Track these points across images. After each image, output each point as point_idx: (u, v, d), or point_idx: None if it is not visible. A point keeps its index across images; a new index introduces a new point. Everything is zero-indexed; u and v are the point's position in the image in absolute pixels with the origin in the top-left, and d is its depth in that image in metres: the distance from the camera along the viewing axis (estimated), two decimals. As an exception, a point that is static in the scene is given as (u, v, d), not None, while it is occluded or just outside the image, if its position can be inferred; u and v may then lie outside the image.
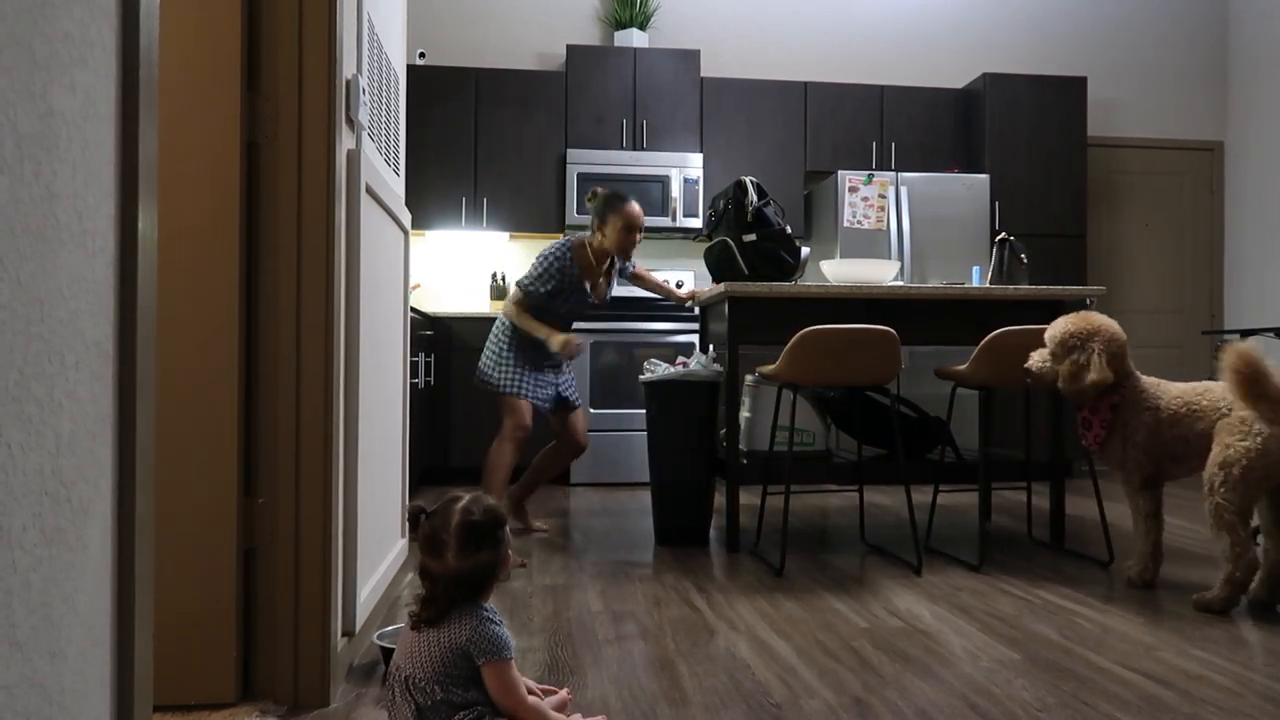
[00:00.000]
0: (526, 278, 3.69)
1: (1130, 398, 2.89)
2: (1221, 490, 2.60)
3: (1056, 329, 2.97)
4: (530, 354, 3.72)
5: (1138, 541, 2.97)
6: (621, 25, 5.88)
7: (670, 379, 3.61)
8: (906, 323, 3.59)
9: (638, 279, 4.03)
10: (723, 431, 3.67)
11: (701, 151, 5.76)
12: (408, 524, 1.54)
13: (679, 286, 5.78)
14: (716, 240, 3.98)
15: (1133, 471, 2.91)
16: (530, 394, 3.68)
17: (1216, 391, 2.75)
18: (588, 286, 3.74)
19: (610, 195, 3.70)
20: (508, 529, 1.59)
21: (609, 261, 3.80)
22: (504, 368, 3.69)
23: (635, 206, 3.67)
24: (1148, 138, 6.52)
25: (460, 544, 1.52)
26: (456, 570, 1.52)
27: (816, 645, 2.34)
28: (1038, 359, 3.03)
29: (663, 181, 5.61)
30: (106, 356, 0.97)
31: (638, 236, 3.68)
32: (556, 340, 3.62)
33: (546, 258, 3.66)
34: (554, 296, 3.68)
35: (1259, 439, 2.56)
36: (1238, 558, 2.59)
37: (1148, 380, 2.92)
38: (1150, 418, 2.84)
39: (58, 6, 0.85)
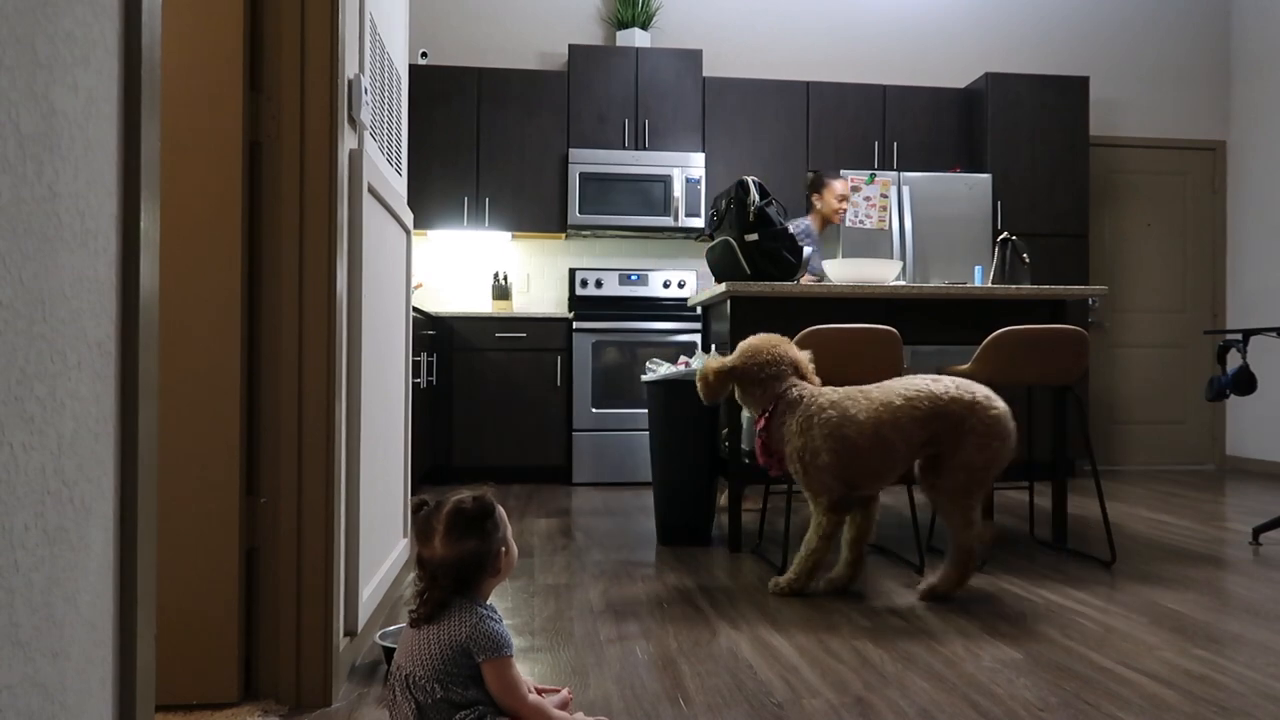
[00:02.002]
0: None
1: (792, 413, 2.73)
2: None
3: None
4: None
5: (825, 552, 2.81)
6: (624, 25, 5.88)
7: (672, 378, 3.61)
8: (909, 322, 3.59)
9: None
10: (725, 431, 3.67)
11: (703, 151, 5.75)
12: (411, 515, 1.57)
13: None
14: (719, 240, 3.98)
15: (820, 495, 2.75)
16: None
17: (942, 386, 2.67)
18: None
19: (815, 175, 4.85)
20: (500, 522, 1.59)
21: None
22: None
23: (839, 181, 4.85)
24: (1150, 137, 6.51)
25: (446, 529, 1.54)
26: (443, 558, 1.54)
27: (818, 645, 2.34)
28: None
29: (665, 181, 5.61)
30: (109, 356, 0.97)
31: (846, 204, 4.89)
32: None
33: (800, 231, 4.59)
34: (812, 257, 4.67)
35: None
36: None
37: (810, 389, 2.76)
38: (837, 432, 2.66)
39: (59, 6, 0.85)
